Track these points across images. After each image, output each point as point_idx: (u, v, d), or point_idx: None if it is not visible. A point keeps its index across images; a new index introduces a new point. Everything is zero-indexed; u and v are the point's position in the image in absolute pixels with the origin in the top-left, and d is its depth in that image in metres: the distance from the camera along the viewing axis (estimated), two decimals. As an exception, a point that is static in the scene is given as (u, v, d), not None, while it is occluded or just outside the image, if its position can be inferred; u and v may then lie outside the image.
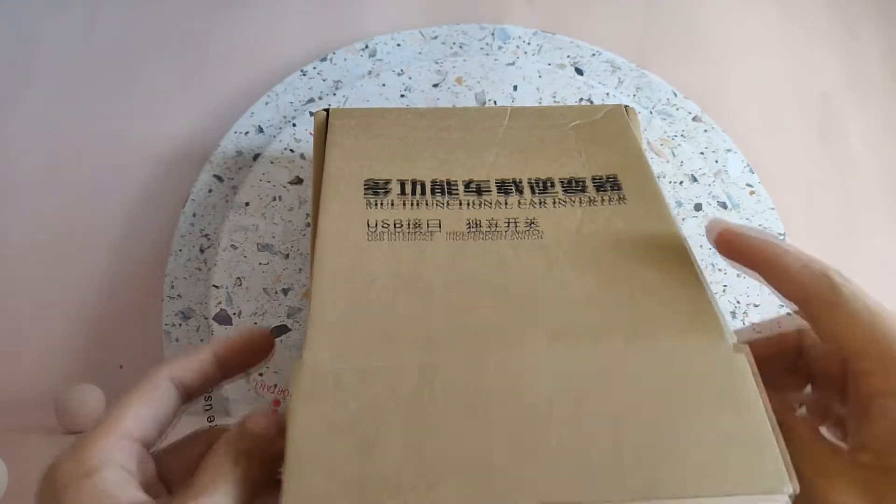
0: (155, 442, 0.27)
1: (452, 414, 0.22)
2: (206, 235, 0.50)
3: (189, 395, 0.27)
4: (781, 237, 0.51)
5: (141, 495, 0.24)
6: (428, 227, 0.29)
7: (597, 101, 0.52)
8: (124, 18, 0.57)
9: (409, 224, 0.29)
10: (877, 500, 0.22)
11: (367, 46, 0.54)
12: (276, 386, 0.42)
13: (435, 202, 0.30)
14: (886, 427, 0.22)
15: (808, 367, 0.28)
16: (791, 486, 0.21)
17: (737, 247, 0.29)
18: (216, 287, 0.48)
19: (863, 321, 0.24)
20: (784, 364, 0.30)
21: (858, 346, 0.24)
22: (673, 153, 0.53)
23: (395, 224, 0.29)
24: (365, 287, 0.26)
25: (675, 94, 0.55)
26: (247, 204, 0.50)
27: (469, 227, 0.29)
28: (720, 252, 0.29)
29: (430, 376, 0.23)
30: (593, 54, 0.54)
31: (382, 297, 0.26)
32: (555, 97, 0.52)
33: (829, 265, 0.26)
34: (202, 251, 0.49)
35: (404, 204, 0.30)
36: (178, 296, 0.49)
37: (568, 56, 0.54)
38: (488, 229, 0.29)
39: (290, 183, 0.51)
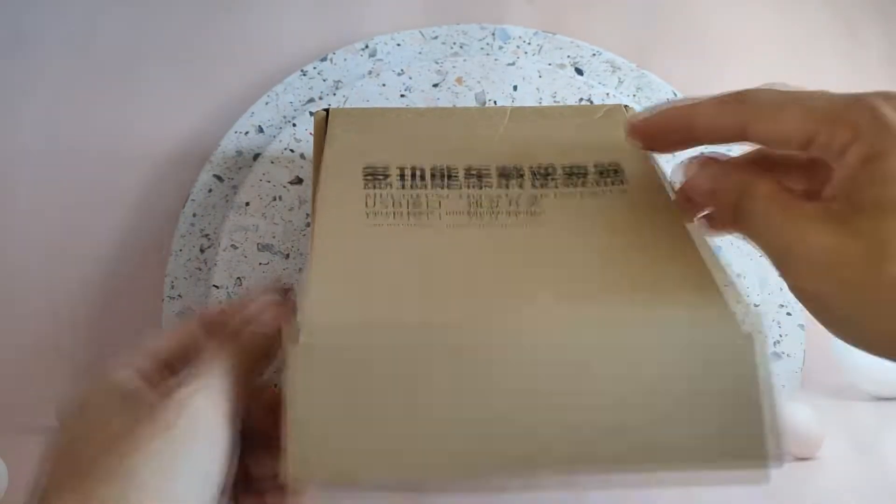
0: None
1: (454, 375, 0.22)
2: (207, 235, 0.50)
3: None
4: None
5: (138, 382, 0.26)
6: (428, 206, 0.29)
7: (597, 101, 0.52)
8: (124, 19, 0.57)
9: (408, 203, 0.29)
10: (846, 232, 0.23)
11: (367, 46, 0.54)
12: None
13: (434, 185, 0.30)
14: (852, 171, 0.23)
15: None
16: (777, 455, 0.22)
17: (648, 132, 0.30)
18: (216, 287, 0.48)
19: (789, 110, 0.25)
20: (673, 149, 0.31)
21: (799, 131, 0.24)
22: (673, 153, 0.53)
23: (394, 203, 0.29)
24: (363, 259, 0.26)
25: (676, 94, 0.55)
26: (247, 204, 0.50)
27: (470, 206, 0.29)
28: (643, 145, 0.30)
29: (432, 338, 0.23)
30: (593, 54, 0.54)
31: (382, 267, 0.26)
32: (555, 97, 0.52)
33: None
34: (202, 251, 0.49)
35: (403, 187, 0.30)
36: (179, 296, 0.49)
37: (568, 56, 0.54)
38: (489, 208, 0.29)
39: (291, 183, 0.51)
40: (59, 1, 0.56)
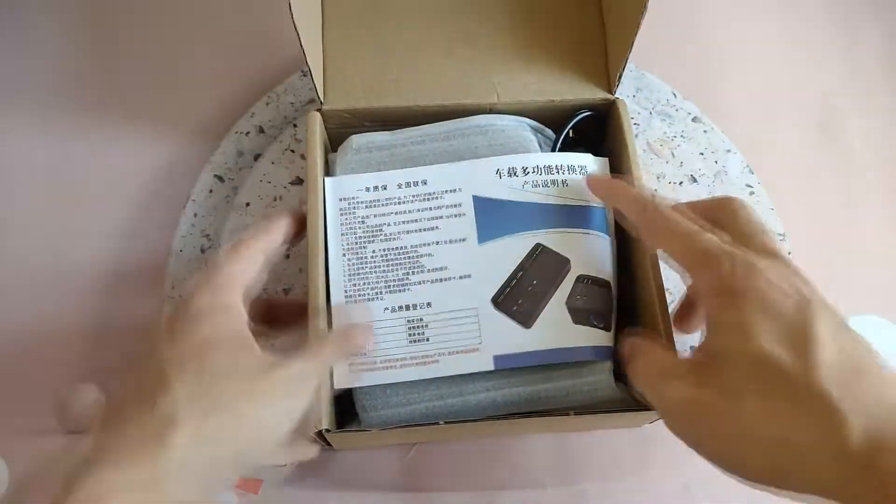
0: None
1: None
2: (207, 236, 0.50)
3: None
4: (781, 238, 0.51)
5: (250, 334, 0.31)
6: None
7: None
8: (125, 20, 0.57)
9: None
10: (699, 383, 0.27)
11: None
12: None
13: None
14: (707, 323, 0.29)
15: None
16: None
17: (593, 188, 0.39)
18: (217, 287, 0.48)
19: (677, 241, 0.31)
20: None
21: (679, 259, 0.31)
22: (672, 154, 0.53)
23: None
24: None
25: (675, 95, 0.55)
26: (247, 204, 0.50)
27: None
28: (593, 193, 0.39)
29: None
30: (593, 55, 0.54)
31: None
32: (555, 98, 0.52)
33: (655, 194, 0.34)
34: (203, 251, 0.50)
35: None
36: (179, 296, 0.49)
37: (568, 57, 0.54)
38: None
39: (291, 183, 0.51)
40: (63, 1, 0.56)
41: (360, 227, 0.38)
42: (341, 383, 0.36)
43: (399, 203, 0.39)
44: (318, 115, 0.41)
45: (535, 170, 0.39)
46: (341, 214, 0.39)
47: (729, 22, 0.59)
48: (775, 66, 0.58)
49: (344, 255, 0.38)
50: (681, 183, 0.53)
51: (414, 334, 0.36)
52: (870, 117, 0.57)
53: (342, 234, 0.38)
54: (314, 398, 0.32)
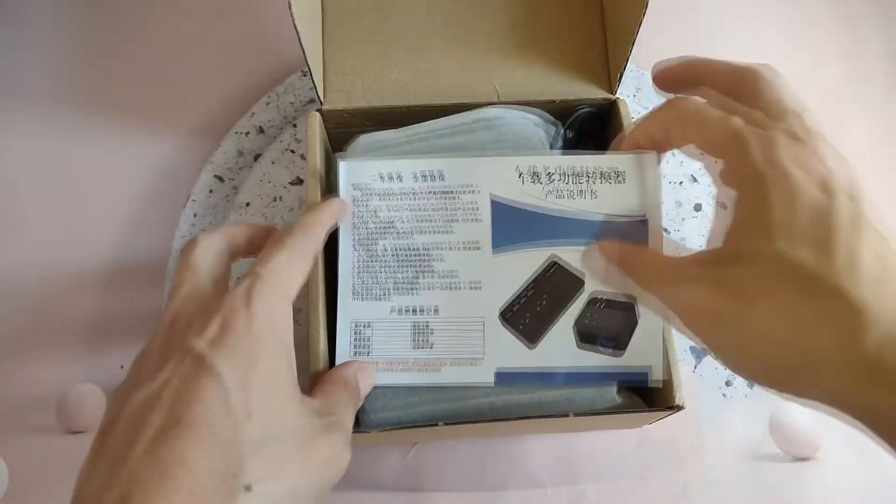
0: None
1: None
2: (207, 236, 0.50)
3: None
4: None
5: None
6: None
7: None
8: (125, 19, 0.57)
9: None
10: (716, 284, 0.26)
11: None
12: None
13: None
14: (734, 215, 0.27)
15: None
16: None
17: (667, 76, 0.33)
18: (217, 287, 0.48)
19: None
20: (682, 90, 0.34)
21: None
22: (673, 153, 0.53)
23: None
24: None
25: (675, 95, 0.55)
26: (247, 204, 0.50)
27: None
28: (661, 87, 0.34)
29: None
30: (593, 55, 0.54)
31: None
32: (555, 97, 0.52)
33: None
34: (203, 251, 0.50)
35: None
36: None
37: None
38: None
39: (291, 183, 0.51)
40: (67, 1, 0.56)
41: (372, 220, 0.37)
42: None
43: (413, 197, 0.37)
44: (318, 115, 0.41)
45: (562, 176, 0.37)
46: (354, 204, 0.37)
47: (729, 21, 0.59)
48: (776, 65, 0.58)
49: (355, 248, 0.37)
50: (681, 182, 0.53)
51: (418, 339, 0.36)
52: (871, 116, 0.57)
53: (354, 226, 0.37)
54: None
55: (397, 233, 0.37)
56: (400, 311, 0.36)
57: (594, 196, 0.36)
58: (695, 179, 0.53)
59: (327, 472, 0.27)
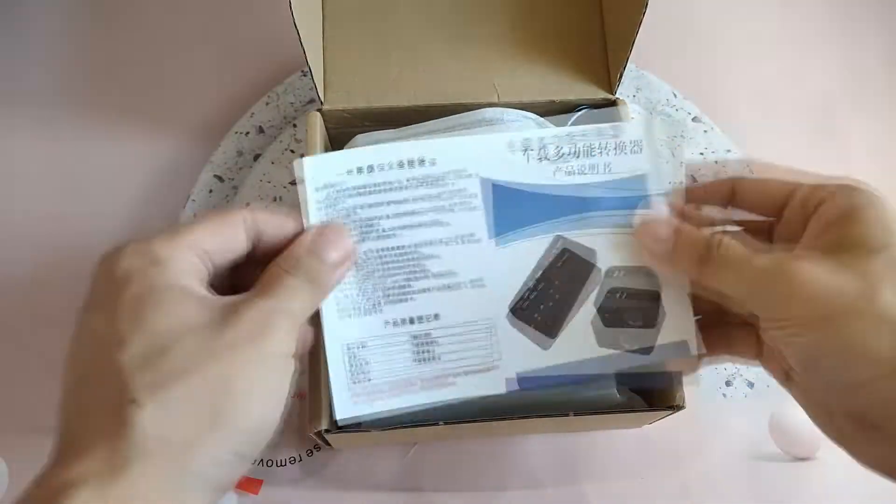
0: (220, 268, 0.28)
1: None
2: (207, 236, 0.50)
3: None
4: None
5: (209, 292, 0.27)
6: None
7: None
8: (125, 19, 0.57)
9: None
10: (841, 268, 0.26)
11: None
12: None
13: None
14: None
15: (742, 206, 0.33)
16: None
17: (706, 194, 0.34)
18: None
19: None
20: (719, 204, 0.34)
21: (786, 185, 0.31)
22: (672, 154, 0.53)
23: None
24: None
25: (675, 95, 0.55)
26: (247, 204, 0.50)
27: None
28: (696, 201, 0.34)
29: None
30: (593, 55, 0.54)
31: None
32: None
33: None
34: (202, 251, 0.50)
35: None
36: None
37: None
38: None
39: (291, 184, 0.51)
40: (65, 1, 0.56)
41: (348, 223, 0.32)
42: (344, 413, 0.32)
43: (394, 189, 0.32)
44: (318, 115, 0.41)
45: (573, 151, 0.33)
46: (323, 208, 0.32)
47: (730, 22, 0.59)
48: (776, 66, 0.58)
49: None
50: (681, 183, 0.53)
51: (421, 352, 0.32)
52: (870, 117, 0.57)
53: None
54: (297, 343, 0.27)
55: (380, 233, 0.32)
56: (395, 322, 0.32)
57: (608, 170, 0.33)
58: (694, 180, 0.53)
59: (251, 366, 0.24)
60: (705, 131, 0.54)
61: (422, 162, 0.33)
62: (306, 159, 0.32)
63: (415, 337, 0.32)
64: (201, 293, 0.26)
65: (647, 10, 0.37)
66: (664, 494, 0.44)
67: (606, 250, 0.33)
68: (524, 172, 0.33)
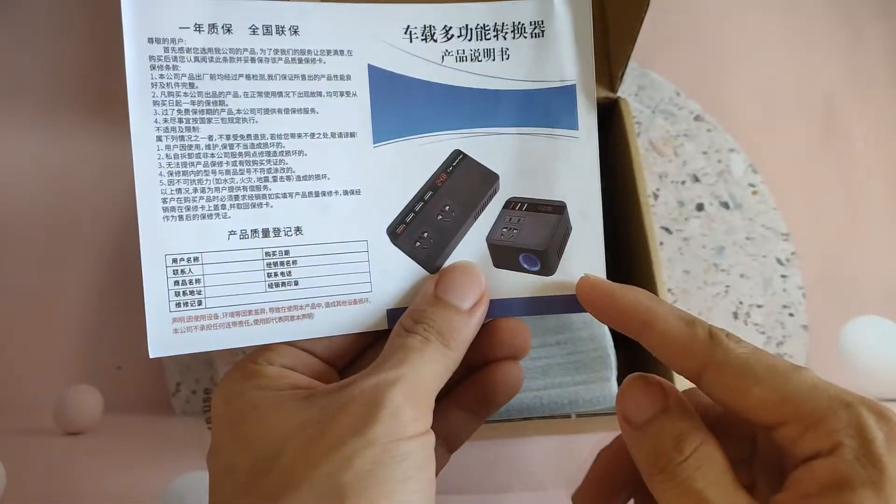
0: (336, 345, 0.25)
1: None
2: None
3: None
4: (785, 237, 0.51)
5: (307, 380, 0.24)
6: None
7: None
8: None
9: None
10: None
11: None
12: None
13: None
14: (812, 482, 0.19)
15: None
16: None
17: (602, 299, 0.24)
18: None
19: (766, 383, 0.20)
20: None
21: (768, 411, 0.20)
22: (675, 153, 0.53)
23: None
24: None
25: (678, 94, 0.55)
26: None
27: None
28: (586, 304, 0.25)
29: None
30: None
31: None
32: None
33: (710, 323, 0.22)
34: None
35: None
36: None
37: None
38: None
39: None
40: (63, 0, 0.56)
41: (186, 95, 0.25)
42: (159, 349, 0.24)
43: (253, 59, 0.25)
44: None
45: (463, 31, 0.27)
46: (153, 68, 0.25)
47: (732, 20, 0.59)
48: (779, 64, 0.58)
49: (160, 138, 0.24)
50: (683, 182, 0.52)
51: (275, 274, 0.25)
52: (874, 116, 0.56)
53: (155, 103, 0.25)
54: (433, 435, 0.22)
55: (230, 114, 0.25)
56: (244, 234, 0.25)
57: (506, 57, 0.27)
58: (697, 179, 0.52)
59: (360, 461, 0.20)
60: (708, 130, 0.54)
61: (295, 31, 0.26)
62: (126, 1, 0.25)
63: (268, 254, 0.25)
64: (303, 391, 0.22)
65: (649, 8, 0.37)
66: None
67: (505, 161, 0.27)
68: (406, 56, 0.27)
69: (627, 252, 0.41)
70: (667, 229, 0.51)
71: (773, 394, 0.20)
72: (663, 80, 0.55)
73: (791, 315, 0.50)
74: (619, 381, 0.37)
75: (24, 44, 0.56)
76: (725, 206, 0.52)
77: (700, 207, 0.52)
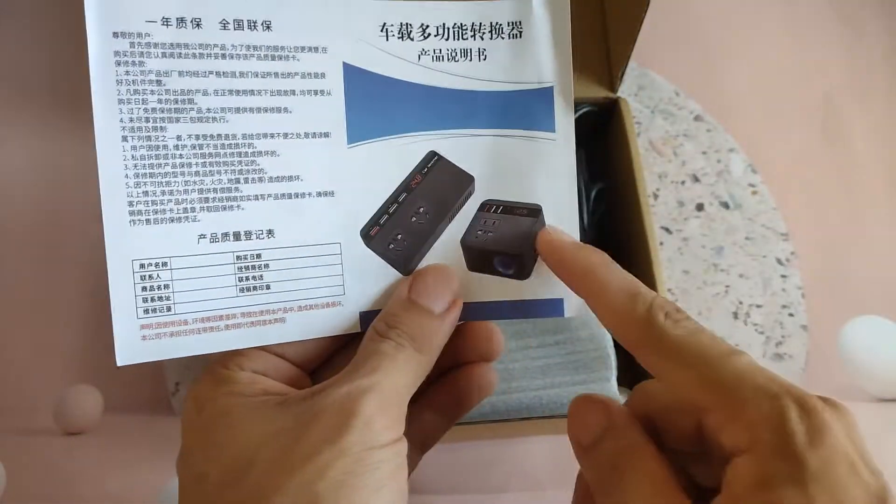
0: (310, 350, 0.25)
1: None
2: (206, 235, 0.50)
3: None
4: (784, 237, 0.51)
5: (280, 386, 0.23)
6: None
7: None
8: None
9: None
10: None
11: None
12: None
13: None
14: (737, 483, 0.18)
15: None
16: None
17: (556, 255, 0.25)
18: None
19: (693, 368, 0.19)
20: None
21: (692, 397, 0.19)
22: (675, 153, 0.53)
23: None
24: None
25: (677, 94, 0.55)
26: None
27: None
28: (543, 257, 0.25)
29: None
30: (595, 53, 0.54)
31: None
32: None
33: (655, 297, 0.21)
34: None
35: None
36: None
37: (569, 55, 0.54)
38: None
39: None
40: (64, 1, 0.56)
41: (153, 93, 0.24)
42: (127, 357, 0.24)
43: (224, 56, 0.25)
44: None
45: (441, 32, 0.27)
46: (119, 64, 0.23)
47: (732, 21, 0.59)
48: (779, 64, 0.58)
49: (125, 139, 0.23)
50: (683, 182, 0.52)
51: (247, 278, 0.25)
52: (873, 116, 0.56)
53: (121, 101, 0.23)
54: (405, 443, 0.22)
55: (199, 113, 0.24)
56: (214, 237, 0.24)
57: (483, 57, 0.27)
58: (697, 179, 0.52)
59: (332, 471, 0.20)
60: (708, 130, 0.54)
61: (256, 24, 0.25)
62: None
63: (240, 258, 0.25)
64: (275, 398, 0.22)
65: (649, 8, 0.37)
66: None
67: (481, 163, 0.27)
68: (383, 55, 0.26)
69: (627, 252, 0.41)
70: (667, 229, 0.51)
71: (698, 379, 0.19)
72: (663, 80, 0.55)
73: (791, 315, 0.50)
74: (619, 381, 0.37)
75: (24, 44, 0.56)
76: (725, 206, 0.52)
77: (700, 207, 0.52)
